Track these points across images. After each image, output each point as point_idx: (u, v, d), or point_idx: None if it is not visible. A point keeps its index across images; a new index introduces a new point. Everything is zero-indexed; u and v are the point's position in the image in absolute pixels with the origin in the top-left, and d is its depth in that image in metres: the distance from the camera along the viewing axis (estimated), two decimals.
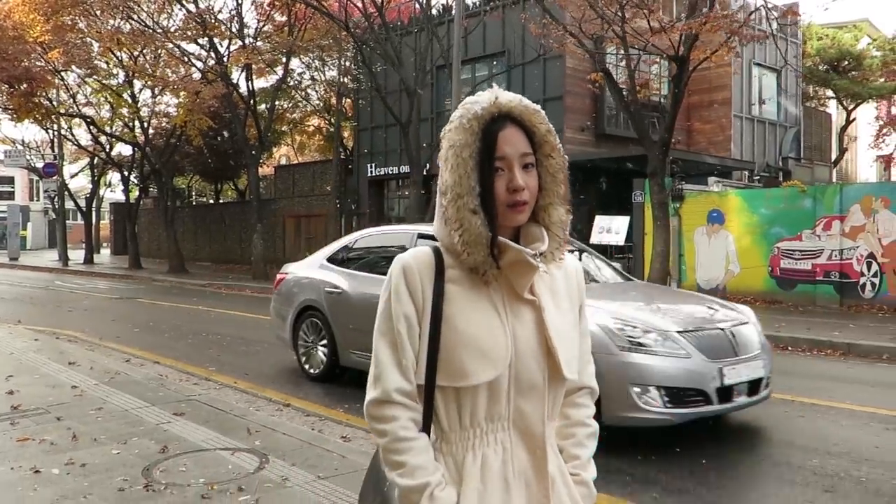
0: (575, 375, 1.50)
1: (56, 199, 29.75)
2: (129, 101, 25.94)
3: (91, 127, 27.59)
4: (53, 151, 30.78)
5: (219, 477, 4.05)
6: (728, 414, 5.48)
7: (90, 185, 34.75)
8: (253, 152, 22.44)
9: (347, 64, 23.78)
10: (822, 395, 6.54)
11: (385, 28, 18.91)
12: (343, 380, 7.12)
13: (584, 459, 1.57)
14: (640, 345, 4.85)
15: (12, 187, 52.01)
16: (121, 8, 21.36)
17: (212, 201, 37.60)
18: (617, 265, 7.44)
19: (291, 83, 26.49)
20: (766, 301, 13.41)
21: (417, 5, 20.63)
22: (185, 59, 22.90)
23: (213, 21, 21.43)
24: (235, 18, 21.94)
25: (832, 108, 29.90)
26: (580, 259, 6.62)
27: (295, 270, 7.94)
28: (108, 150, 29.67)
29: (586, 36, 13.90)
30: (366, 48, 19.76)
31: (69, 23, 22.40)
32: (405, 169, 20.82)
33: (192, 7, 21.45)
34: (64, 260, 29.54)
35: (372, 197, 24.09)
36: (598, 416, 4.84)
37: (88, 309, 14.33)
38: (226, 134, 27.56)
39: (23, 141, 35.13)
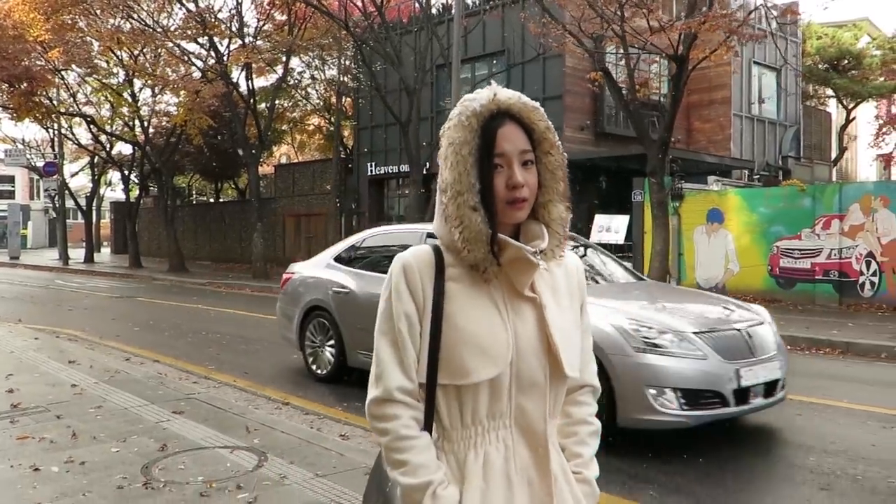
0: (576, 373, 1.50)
1: (56, 198, 29.77)
2: (130, 100, 25.96)
3: (91, 126, 27.61)
4: (54, 150, 30.82)
5: (217, 475, 4.07)
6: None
7: (90, 184, 34.78)
8: (253, 151, 22.45)
9: (347, 63, 23.80)
10: (820, 394, 6.56)
11: (385, 27, 18.93)
12: (343, 379, 7.13)
13: (587, 458, 1.57)
14: (656, 346, 4.79)
15: (13, 186, 52.04)
16: (121, 7, 21.36)
17: (212, 200, 37.63)
18: (628, 264, 7.33)
19: (291, 82, 26.50)
20: (766, 300, 13.39)
21: (417, 4, 20.64)
22: (185, 58, 22.91)
23: (213, 20, 21.43)
24: (235, 17, 21.95)
25: (832, 107, 29.90)
26: (584, 254, 6.58)
27: (301, 270, 7.87)
28: (108, 149, 29.69)
29: (586, 35, 13.91)
30: (365, 47, 19.78)
31: (69, 22, 22.40)
32: (405, 168, 20.84)
33: (191, 6, 21.45)
34: (64, 259, 29.55)
35: (372, 196, 24.11)
36: (612, 418, 4.68)
37: (88, 308, 14.35)
38: (226, 133, 27.56)
39: (23, 140, 35.23)
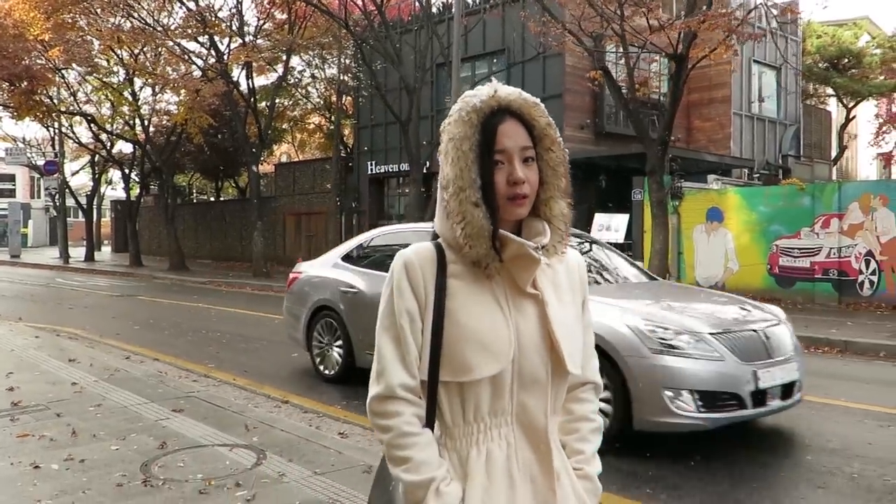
0: (578, 370, 1.49)
1: (57, 196, 29.81)
2: (130, 98, 25.99)
3: (92, 125, 27.65)
4: (54, 149, 30.85)
5: (216, 472, 4.09)
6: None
7: (91, 183, 34.81)
8: (253, 150, 22.48)
9: (347, 62, 23.81)
10: (818, 392, 6.56)
11: (385, 26, 18.94)
12: (351, 380, 7.07)
13: (589, 454, 1.56)
14: (673, 347, 4.71)
15: (13, 185, 52.06)
16: (121, 6, 21.39)
17: (212, 199, 37.64)
18: (640, 264, 7.24)
19: (292, 81, 26.52)
20: (765, 299, 13.23)
21: (417, 3, 20.64)
22: (186, 56, 22.93)
23: (213, 19, 21.47)
24: (236, 16, 21.99)
25: (832, 105, 29.90)
26: (590, 249, 6.52)
27: (308, 269, 7.78)
28: (108, 148, 29.73)
29: (585, 34, 13.92)
30: (366, 46, 19.79)
31: (69, 21, 22.42)
32: (405, 167, 20.86)
33: (192, 5, 21.47)
34: (65, 257, 29.59)
35: (372, 195, 24.13)
36: (627, 421, 4.66)
37: (89, 306, 14.38)
38: (226, 132, 27.59)
39: (24, 138, 35.23)
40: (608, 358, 4.72)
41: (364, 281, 6.87)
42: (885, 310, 11.96)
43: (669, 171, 14.41)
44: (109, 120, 28.53)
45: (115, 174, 37.89)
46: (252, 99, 22.84)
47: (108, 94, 27.44)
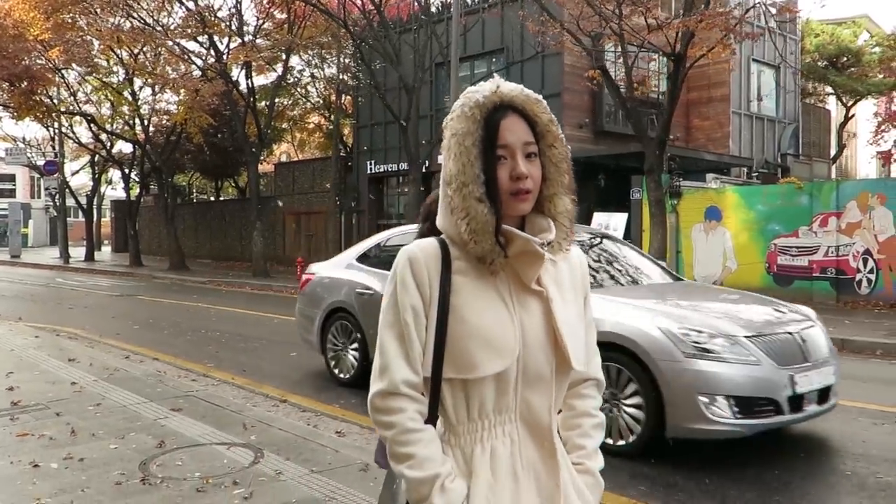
0: (583, 366, 1.50)
1: (57, 196, 29.85)
2: (130, 98, 26.03)
3: (92, 125, 27.68)
4: (54, 149, 30.89)
5: (214, 471, 4.12)
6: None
7: (91, 183, 34.85)
8: (253, 149, 22.51)
9: (346, 61, 23.83)
10: None
11: (384, 26, 18.97)
12: (358, 382, 7.01)
13: (591, 449, 1.56)
14: (707, 351, 4.53)
15: (13, 185, 52.12)
16: (121, 6, 21.43)
17: (212, 198, 37.68)
18: (663, 264, 7.01)
19: (291, 80, 26.54)
20: None
21: (416, 3, 20.66)
22: (185, 56, 22.96)
23: (212, 19, 21.51)
24: (235, 16, 22.01)
25: (831, 104, 29.91)
26: (601, 243, 6.41)
27: (321, 271, 7.62)
28: (108, 148, 29.77)
29: (584, 33, 13.94)
30: (365, 46, 19.82)
31: (69, 21, 22.47)
32: (404, 166, 20.89)
33: (191, 5, 21.51)
34: (65, 257, 29.63)
35: (372, 194, 24.16)
36: (660, 427, 4.54)
37: (89, 306, 14.42)
38: (226, 131, 27.63)
39: (24, 138, 35.25)
40: (639, 362, 4.63)
41: (381, 282, 6.63)
42: (882, 308, 12.00)
43: (668, 170, 14.43)
44: (109, 120, 28.58)
45: (115, 174, 37.92)
46: (252, 98, 22.87)
47: (108, 94, 27.49)
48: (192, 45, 22.94)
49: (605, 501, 3.97)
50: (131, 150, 29.51)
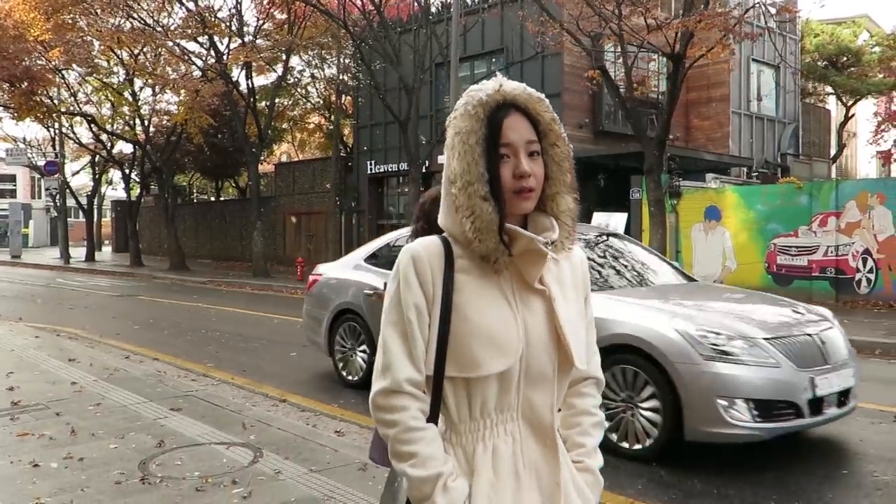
0: (585, 365, 1.50)
1: (57, 196, 29.86)
2: (130, 99, 26.06)
3: (92, 125, 27.70)
4: (55, 149, 30.89)
5: (213, 470, 4.14)
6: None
7: (91, 183, 34.87)
8: (253, 150, 22.53)
9: (346, 62, 23.85)
10: None
11: (384, 26, 18.98)
12: (367, 384, 7.09)
13: (590, 448, 1.56)
14: (726, 353, 4.45)
15: (14, 185, 52.16)
16: (121, 6, 21.45)
17: (212, 199, 37.71)
18: (677, 264, 6.91)
19: (291, 81, 26.58)
20: None
21: (416, 3, 20.67)
22: (186, 57, 22.98)
23: (212, 19, 21.52)
24: (235, 16, 22.04)
25: (831, 104, 29.91)
26: (607, 240, 6.36)
27: (328, 271, 7.53)
28: (109, 148, 29.79)
29: (583, 33, 13.96)
30: (364, 46, 19.83)
31: (69, 21, 22.50)
32: (404, 166, 20.90)
33: (191, 5, 21.54)
34: (65, 257, 29.66)
35: (372, 194, 24.18)
36: (678, 430, 4.47)
37: (89, 306, 14.43)
38: (226, 131, 27.65)
39: (24, 139, 35.25)
40: (656, 364, 4.57)
41: None
42: (881, 307, 12.01)
43: (667, 170, 14.45)
44: (109, 120, 28.60)
45: (115, 174, 37.96)
46: (252, 99, 22.89)
47: (109, 95, 27.51)
48: (192, 46, 23.02)
49: (611, 502, 3.98)
50: (132, 150, 29.53)
